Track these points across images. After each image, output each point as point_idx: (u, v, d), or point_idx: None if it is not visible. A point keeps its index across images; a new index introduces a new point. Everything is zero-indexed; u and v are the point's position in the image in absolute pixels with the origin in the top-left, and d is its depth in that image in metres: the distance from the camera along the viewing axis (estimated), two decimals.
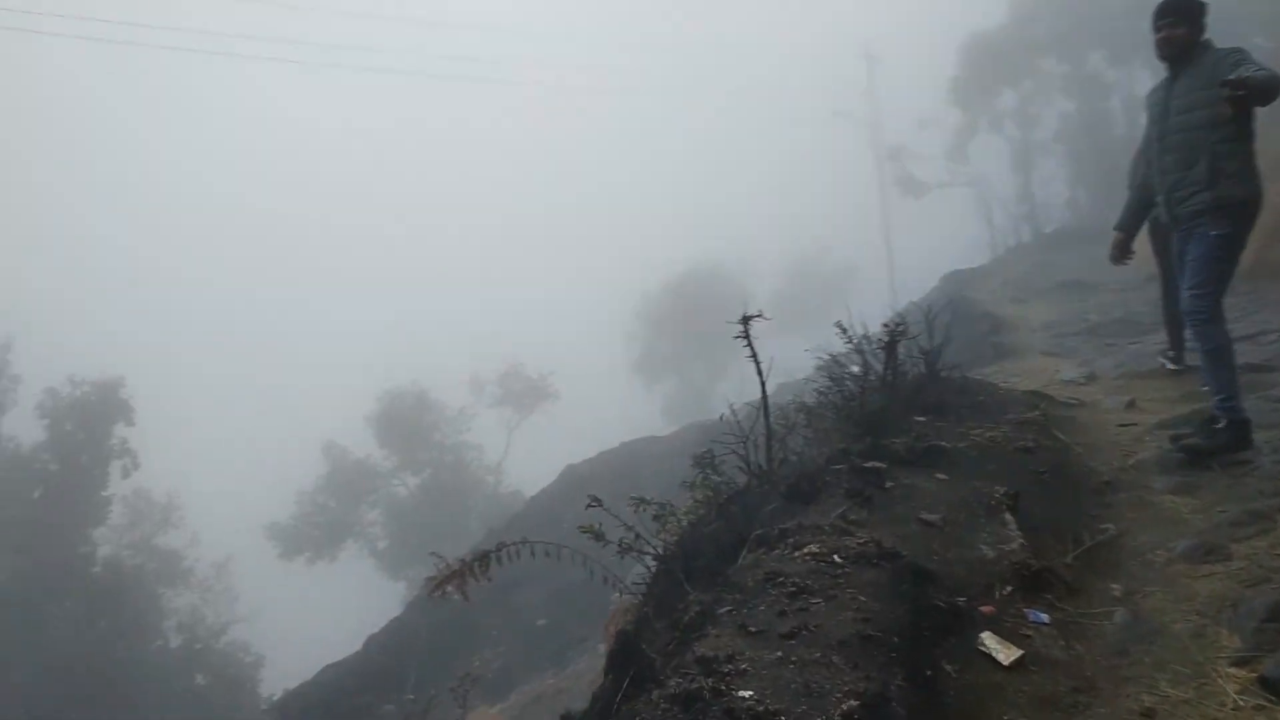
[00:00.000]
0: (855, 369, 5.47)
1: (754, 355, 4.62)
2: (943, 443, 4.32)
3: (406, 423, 32.98)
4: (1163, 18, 4.71)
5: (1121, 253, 6.26)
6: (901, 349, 5.95)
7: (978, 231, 29.32)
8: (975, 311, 11.93)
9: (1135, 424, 5.43)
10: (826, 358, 6.25)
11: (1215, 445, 4.37)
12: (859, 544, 3.10)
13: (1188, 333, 5.11)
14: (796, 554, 3.08)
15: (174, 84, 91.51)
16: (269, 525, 31.49)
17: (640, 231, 68.54)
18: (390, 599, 27.58)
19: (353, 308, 75.32)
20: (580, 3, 79.37)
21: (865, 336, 6.23)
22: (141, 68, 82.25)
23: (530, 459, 32.09)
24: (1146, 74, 27.07)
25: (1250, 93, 4.01)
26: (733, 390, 42.50)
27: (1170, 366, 6.94)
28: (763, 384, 4.69)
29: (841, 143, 39.41)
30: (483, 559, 3.55)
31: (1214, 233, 4.41)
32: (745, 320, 4.52)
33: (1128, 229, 6.33)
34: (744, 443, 4.75)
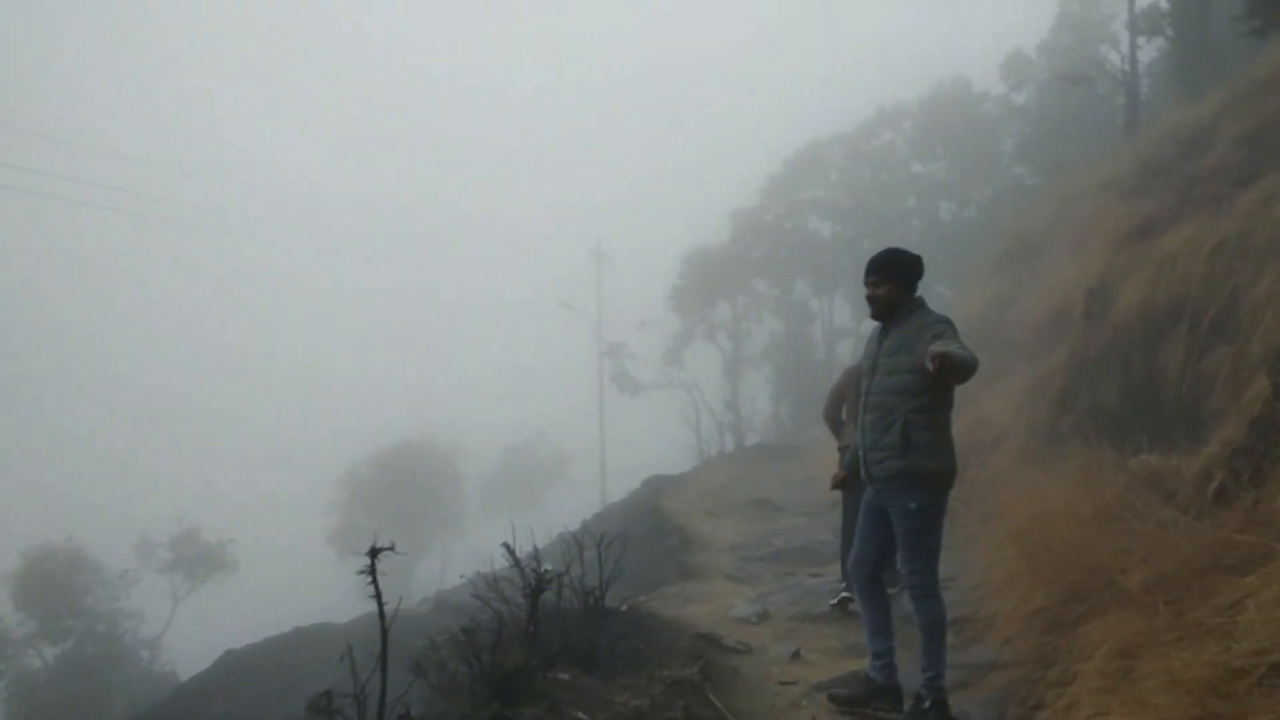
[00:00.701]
0: (498, 608, 4.87)
1: (378, 594, 3.92)
2: (580, 716, 3.79)
3: (53, 584, 28.87)
4: (869, 275, 4.66)
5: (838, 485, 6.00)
6: (565, 581, 5.50)
7: (686, 436, 30.36)
8: (668, 524, 11.83)
9: (795, 683, 5.17)
10: (482, 578, 5.63)
11: None
12: None
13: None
14: None
15: None
16: None
17: (357, 400, 66.10)
18: None
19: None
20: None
21: (535, 560, 5.73)
22: None
23: (196, 635, 28.81)
24: (848, 306, 29.88)
25: (949, 370, 3.92)
26: (432, 573, 40.85)
27: (845, 594, 6.92)
28: (384, 631, 3.93)
29: (568, 335, 40.33)
30: None
31: (913, 505, 4.33)
32: (373, 553, 3.83)
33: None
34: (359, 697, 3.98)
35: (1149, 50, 19.28)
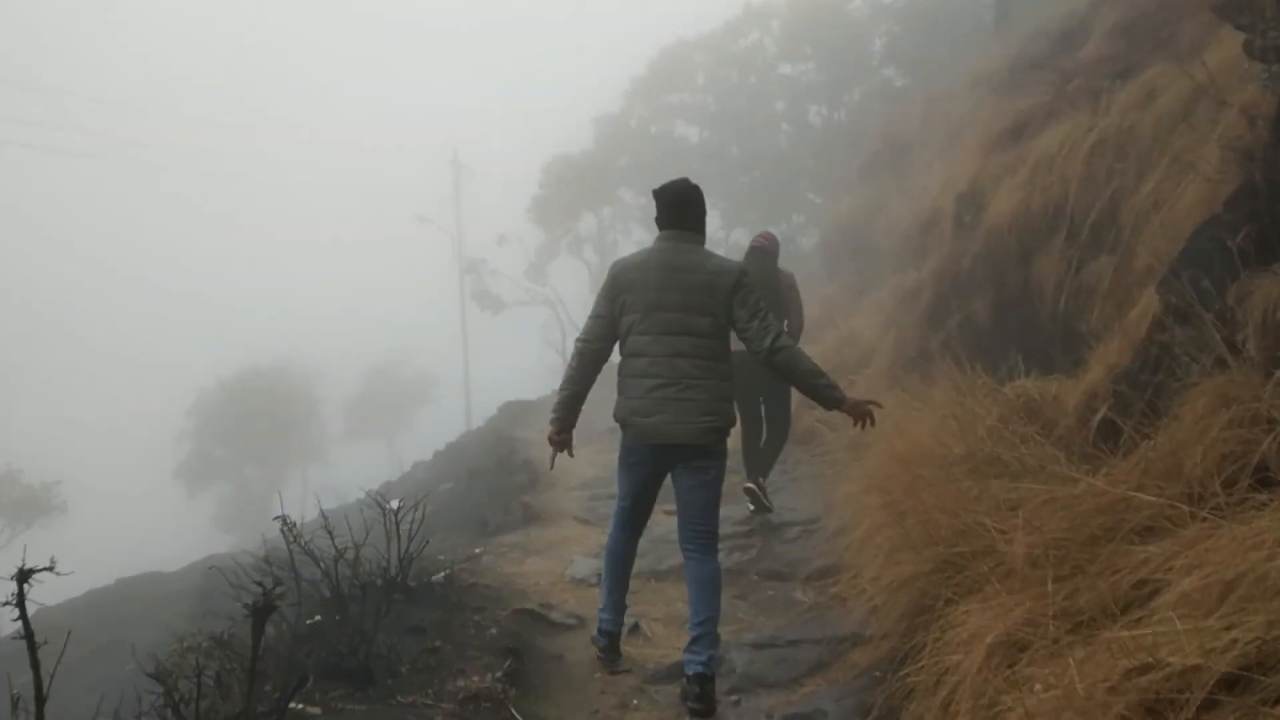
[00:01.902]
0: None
1: (29, 635, 2.88)
2: None
3: None
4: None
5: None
6: (356, 559, 4.56)
7: (551, 355, 29.45)
8: (516, 458, 10.95)
9: (629, 671, 4.41)
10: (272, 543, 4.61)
11: None
12: None
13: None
14: None
15: None
16: None
17: (207, 322, 62.64)
18: None
19: None
20: None
21: (328, 529, 4.76)
22: None
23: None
24: (717, 214, 29.13)
25: None
26: (295, 500, 39.25)
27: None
28: (38, 688, 2.90)
29: (429, 251, 38.54)
30: None
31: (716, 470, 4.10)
32: (20, 577, 2.79)
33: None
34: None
35: None
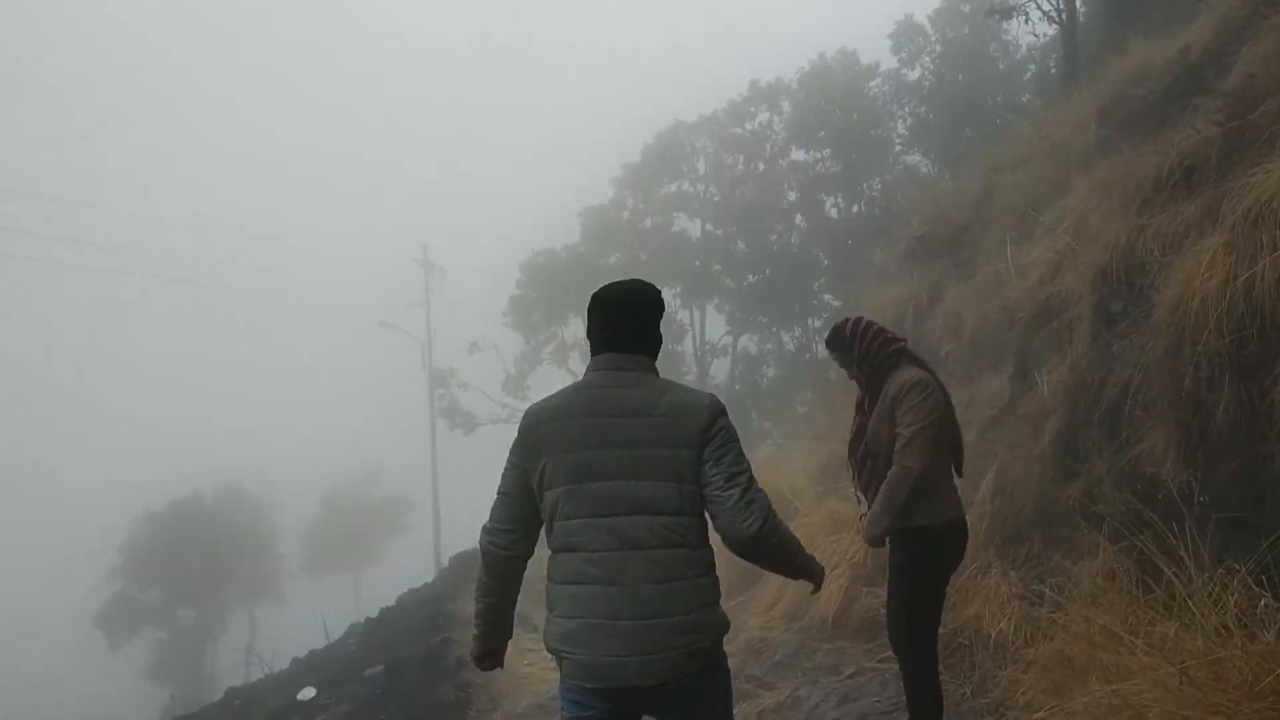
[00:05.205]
0: None
1: None
2: None
3: None
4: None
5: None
6: None
7: None
8: (447, 659, 8.07)
9: None
10: None
11: None
12: None
13: None
14: None
15: None
16: None
17: (148, 449, 59.41)
18: None
19: None
20: None
21: None
22: None
23: None
24: (722, 318, 26.77)
25: None
26: (235, 643, 35.91)
27: None
28: None
29: (397, 362, 35.82)
30: None
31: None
32: None
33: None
34: None
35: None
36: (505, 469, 3.10)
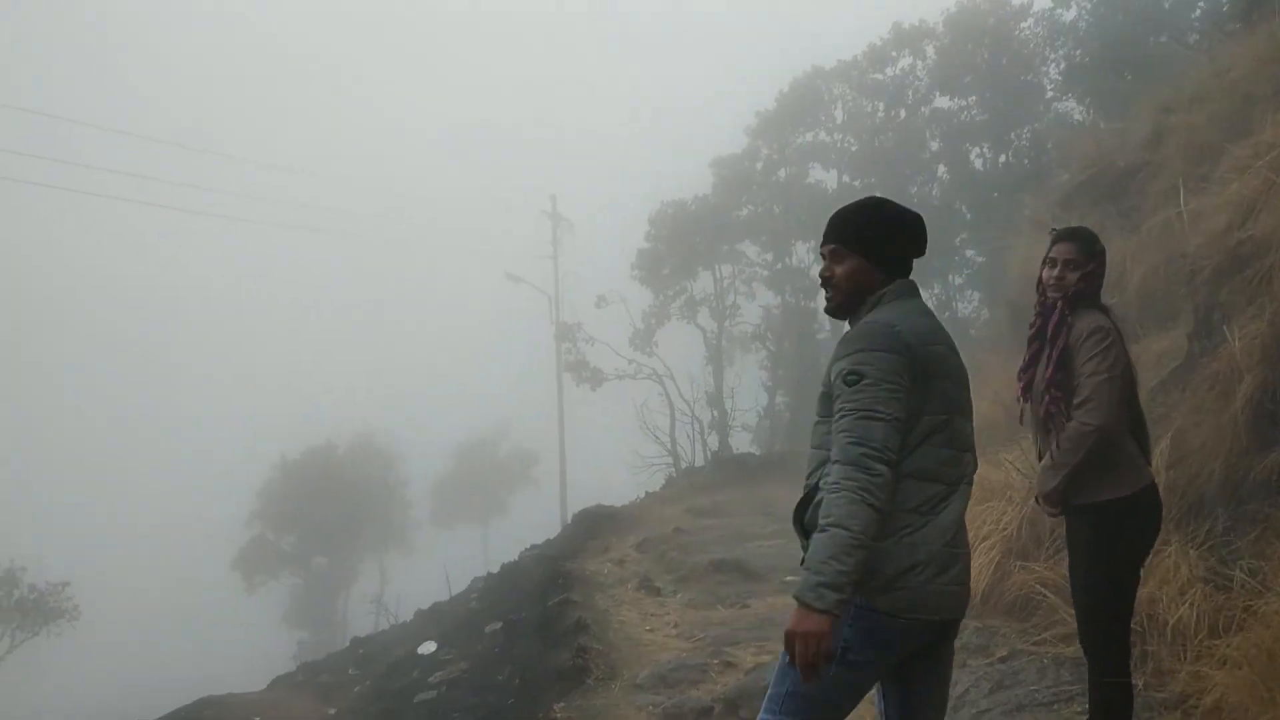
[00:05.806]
0: None
1: None
2: None
3: None
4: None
5: None
6: None
7: (648, 444, 26.34)
8: (566, 620, 7.79)
9: None
10: None
11: None
12: None
13: None
14: None
15: None
16: None
17: (285, 403, 61.33)
18: None
19: None
20: None
21: None
22: None
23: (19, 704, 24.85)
24: None
25: None
26: (365, 592, 36.85)
27: None
28: None
29: (527, 315, 35.73)
30: None
31: None
32: None
33: None
34: None
35: None
36: (879, 393, 2.65)
